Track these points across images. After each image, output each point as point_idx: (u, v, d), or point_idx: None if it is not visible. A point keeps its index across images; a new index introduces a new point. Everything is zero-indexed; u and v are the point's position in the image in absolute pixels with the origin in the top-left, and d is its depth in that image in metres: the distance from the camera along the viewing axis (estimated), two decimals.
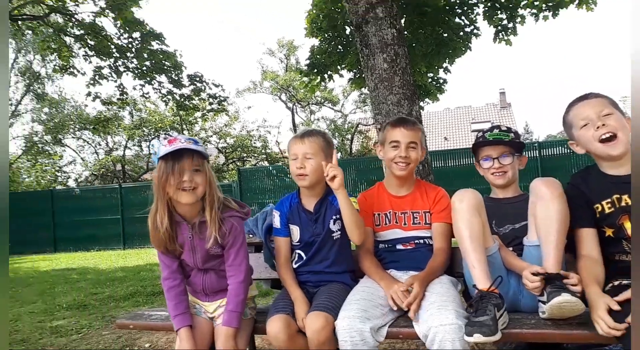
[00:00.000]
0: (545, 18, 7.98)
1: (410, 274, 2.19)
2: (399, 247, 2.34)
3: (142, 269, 8.33)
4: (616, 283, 1.84)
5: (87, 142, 28.58)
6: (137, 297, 5.44)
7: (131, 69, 13.15)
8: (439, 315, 1.83)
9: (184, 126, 26.82)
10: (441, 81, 9.89)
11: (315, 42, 9.06)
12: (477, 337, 1.68)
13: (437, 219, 2.31)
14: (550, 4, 7.72)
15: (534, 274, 1.84)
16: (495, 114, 37.14)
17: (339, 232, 2.25)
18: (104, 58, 12.97)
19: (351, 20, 5.22)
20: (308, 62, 9.28)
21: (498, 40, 8.44)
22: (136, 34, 12.77)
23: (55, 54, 13.74)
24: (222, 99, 14.58)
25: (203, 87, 14.03)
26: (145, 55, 12.79)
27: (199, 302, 2.25)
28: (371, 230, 2.37)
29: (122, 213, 15.87)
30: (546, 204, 1.95)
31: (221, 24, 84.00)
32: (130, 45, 12.83)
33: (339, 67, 9.13)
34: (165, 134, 26.17)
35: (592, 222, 1.96)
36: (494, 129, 2.39)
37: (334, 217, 2.25)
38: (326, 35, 8.77)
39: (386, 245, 2.37)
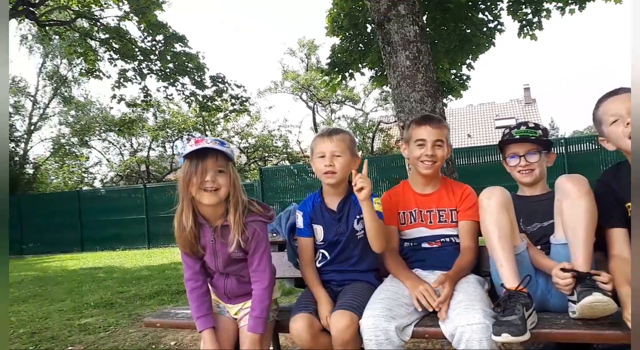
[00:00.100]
0: (572, 11, 7.83)
1: (436, 273, 2.16)
2: (425, 245, 2.31)
3: (166, 268, 8.45)
4: None
5: (112, 144, 29.06)
6: (162, 296, 5.51)
7: (155, 71, 13.38)
8: (466, 314, 1.81)
9: (207, 127, 27.11)
10: (464, 78, 9.74)
11: (336, 40, 9.06)
12: (505, 337, 1.64)
13: (464, 217, 2.27)
14: None
15: (563, 270, 1.80)
16: (520, 110, 36.37)
17: (363, 232, 2.22)
18: (129, 61, 13.23)
19: (373, 18, 5.19)
20: (329, 61, 9.26)
21: (523, 35, 8.29)
22: (159, 37, 12.99)
23: (81, 57, 14.10)
24: (243, 99, 14.70)
25: (225, 88, 14.18)
26: (169, 58, 13.01)
27: (222, 302, 2.26)
28: (396, 229, 2.34)
29: (146, 213, 16.12)
30: (573, 201, 1.91)
31: (221, 24, 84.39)
32: (153, 48, 13.06)
33: (360, 65, 9.09)
34: (188, 135, 26.50)
35: (623, 221, 1.91)
36: (521, 126, 2.34)
37: (358, 216, 2.22)
38: (347, 33, 8.75)
39: (411, 244, 2.34)
